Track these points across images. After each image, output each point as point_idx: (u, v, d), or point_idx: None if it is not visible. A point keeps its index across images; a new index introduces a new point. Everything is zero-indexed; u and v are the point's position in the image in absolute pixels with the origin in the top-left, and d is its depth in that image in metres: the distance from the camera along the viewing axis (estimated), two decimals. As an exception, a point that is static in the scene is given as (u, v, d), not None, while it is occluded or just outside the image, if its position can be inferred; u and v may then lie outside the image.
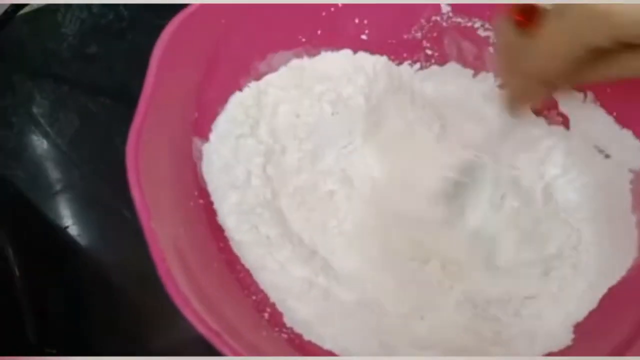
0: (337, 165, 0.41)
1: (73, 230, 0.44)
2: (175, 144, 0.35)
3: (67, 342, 0.40)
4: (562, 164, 0.40)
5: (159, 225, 0.29)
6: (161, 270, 0.26)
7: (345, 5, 0.41)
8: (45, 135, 0.48)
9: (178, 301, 0.26)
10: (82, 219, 0.45)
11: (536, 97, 0.35)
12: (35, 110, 0.49)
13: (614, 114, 0.39)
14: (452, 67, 0.44)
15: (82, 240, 0.44)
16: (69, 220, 0.45)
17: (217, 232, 0.36)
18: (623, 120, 0.38)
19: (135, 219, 0.28)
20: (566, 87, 0.34)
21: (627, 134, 0.38)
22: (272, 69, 0.41)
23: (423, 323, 0.36)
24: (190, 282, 0.29)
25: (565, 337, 0.35)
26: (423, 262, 0.38)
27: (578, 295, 0.36)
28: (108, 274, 0.43)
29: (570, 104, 0.40)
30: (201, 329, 0.26)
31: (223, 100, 0.39)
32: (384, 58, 0.43)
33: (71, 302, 0.42)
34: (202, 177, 0.37)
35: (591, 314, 0.35)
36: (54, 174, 0.47)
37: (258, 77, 0.40)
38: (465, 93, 0.43)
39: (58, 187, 0.46)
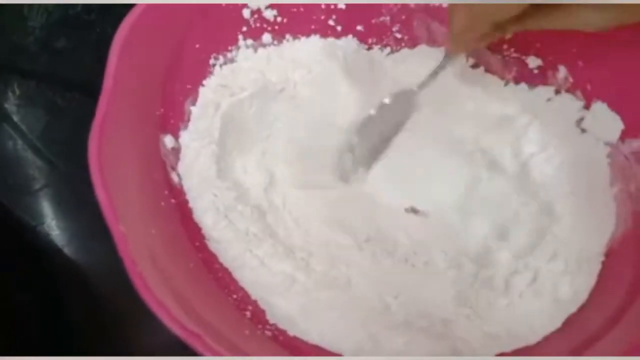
0: None
1: (48, 229, 0.42)
2: (141, 141, 0.33)
3: (43, 344, 0.38)
4: (539, 142, 0.40)
5: (129, 228, 0.27)
6: (133, 275, 0.25)
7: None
8: (17, 131, 0.46)
9: (153, 305, 0.25)
10: (58, 218, 0.43)
11: (483, 37, 0.32)
12: (7, 106, 0.46)
13: (588, 86, 0.38)
14: (423, 49, 0.43)
15: (59, 240, 0.42)
16: (44, 219, 0.43)
17: (192, 232, 0.35)
18: (597, 93, 0.38)
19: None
20: (515, 29, 0.32)
21: (602, 106, 0.38)
22: (239, 58, 0.40)
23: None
24: (165, 285, 0.28)
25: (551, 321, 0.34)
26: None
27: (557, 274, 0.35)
28: (86, 275, 0.42)
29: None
30: (181, 333, 0.25)
31: (189, 94, 0.37)
32: (354, 42, 0.42)
33: (48, 303, 0.40)
34: (175, 175, 0.36)
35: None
36: (27, 171, 0.44)
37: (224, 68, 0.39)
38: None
39: (32, 184, 0.44)
